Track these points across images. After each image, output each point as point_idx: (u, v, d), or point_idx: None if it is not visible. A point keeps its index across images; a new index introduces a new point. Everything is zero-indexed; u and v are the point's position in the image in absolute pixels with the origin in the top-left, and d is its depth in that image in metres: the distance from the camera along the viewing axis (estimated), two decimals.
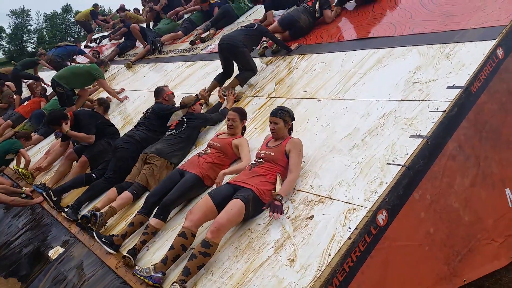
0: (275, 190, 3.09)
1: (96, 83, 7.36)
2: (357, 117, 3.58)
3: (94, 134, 5.07)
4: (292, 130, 3.48)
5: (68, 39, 45.39)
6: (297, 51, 5.48)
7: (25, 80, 10.39)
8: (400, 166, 2.84)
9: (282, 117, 3.32)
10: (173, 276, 3.04)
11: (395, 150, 3.01)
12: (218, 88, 5.30)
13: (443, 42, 3.94)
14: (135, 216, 3.65)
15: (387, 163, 2.93)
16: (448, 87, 3.35)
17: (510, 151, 3.31)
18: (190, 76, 6.78)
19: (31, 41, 48.04)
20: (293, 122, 3.44)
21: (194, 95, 5.12)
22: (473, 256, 3.07)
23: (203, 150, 3.92)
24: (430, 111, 3.19)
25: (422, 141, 2.97)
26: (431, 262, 2.90)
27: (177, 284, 2.73)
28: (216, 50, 7.06)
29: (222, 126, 4.63)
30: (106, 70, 7.31)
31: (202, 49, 7.67)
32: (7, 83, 10.54)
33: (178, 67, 7.45)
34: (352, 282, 2.47)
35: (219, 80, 5.35)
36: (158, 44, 8.41)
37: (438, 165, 2.93)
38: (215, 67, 6.58)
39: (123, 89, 7.47)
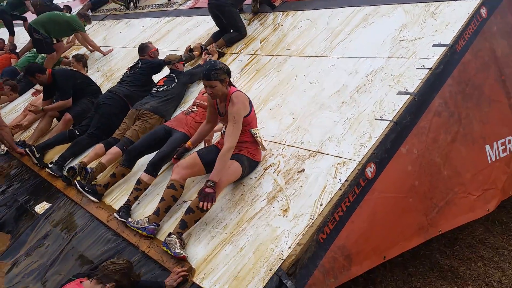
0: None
1: (73, 36, 7.04)
2: (345, 74, 3.63)
3: (71, 97, 4.94)
4: (231, 84, 3.10)
5: None
6: (281, 8, 5.42)
7: None
8: (388, 122, 2.95)
9: (217, 78, 2.92)
10: (167, 227, 3.12)
11: (383, 106, 3.11)
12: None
13: (428, 0, 3.98)
14: (117, 167, 3.75)
15: (376, 119, 3.03)
16: (434, 45, 3.43)
17: (491, 109, 3.46)
18: (169, 32, 6.62)
19: None
20: (229, 77, 3.03)
21: (178, 54, 5.03)
22: (449, 208, 3.24)
23: (190, 108, 3.91)
24: (417, 69, 3.28)
25: (409, 97, 3.07)
26: (413, 213, 3.06)
27: (174, 235, 2.81)
28: (196, 6, 6.98)
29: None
30: (85, 25, 6.98)
31: (180, 4, 7.45)
32: None
33: (156, 23, 7.23)
34: (342, 230, 2.61)
35: (215, 37, 5.31)
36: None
37: (424, 121, 3.04)
38: (196, 23, 6.45)
39: (111, 50, 7.18)
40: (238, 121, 2.90)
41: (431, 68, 3.19)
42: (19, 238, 3.89)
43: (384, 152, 2.85)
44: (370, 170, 2.77)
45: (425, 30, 3.64)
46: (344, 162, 2.83)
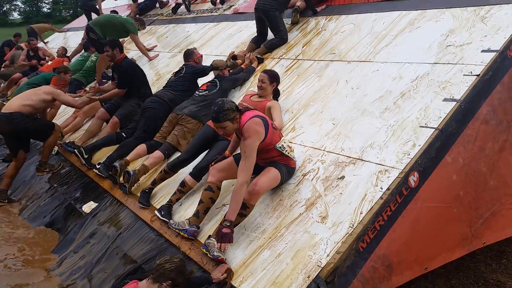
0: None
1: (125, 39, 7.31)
2: (388, 80, 3.56)
3: (125, 89, 5.16)
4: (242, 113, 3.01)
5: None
6: (324, 12, 5.39)
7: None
8: (433, 129, 2.86)
9: (227, 118, 2.88)
10: (207, 229, 3.18)
11: (428, 113, 3.02)
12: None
13: (479, 4, 3.83)
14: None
15: (420, 126, 2.95)
16: (482, 51, 3.30)
17: None
18: (213, 38, 6.74)
19: (46, 1, 47.70)
20: (239, 111, 2.97)
21: (225, 60, 5.12)
22: (495, 220, 3.12)
23: None
24: (464, 75, 3.17)
25: (455, 104, 2.97)
26: (456, 224, 2.97)
27: (213, 238, 2.86)
28: (240, 11, 7.08)
29: (249, 87, 4.67)
30: (138, 29, 7.26)
31: (225, 10, 7.57)
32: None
33: (200, 28, 7.39)
34: (383, 240, 2.56)
35: (255, 42, 5.38)
36: (187, 2, 8.28)
37: (471, 129, 2.94)
38: (239, 28, 6.54)
39: (155, 46, 7.44)
40: (249, 155, 2.82)
41: (479, 74, 3.08)
42: (67, 236, 4.09)
43: (429, 160, 2.77)
44: (413, 179, 2.70)
45: (474, 35, 3.51)
46: (386, 170, 2.78)
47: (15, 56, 9.22)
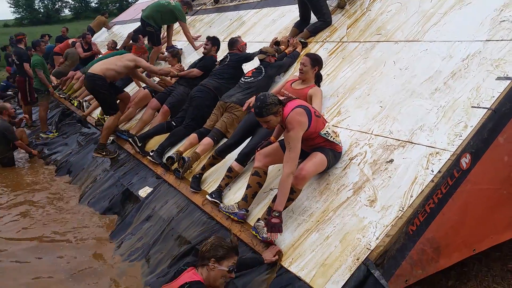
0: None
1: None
2: (438, 60, 3.46)
3: (202, 73, 5.40)
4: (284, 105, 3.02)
5: None
6: None
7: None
8: (486, 109, 2.77)
9: (270, 112, 2.91)
10: (255, 212, 3.29)
11: (481, 93, 2.92)
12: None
13: None
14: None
15: (472, 106, 2.86)
16: None
17: None
18: (256, 25, 6.77)
19: None
20: (281, 104, 2.98)
21: (268, 45, 5.15)
22: None
23: None
24: None
25: (510, 83, 2.84)
26: (506, 206, 2.90)
27: (262, 221, 2.97)
28: None
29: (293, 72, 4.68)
30: (186, 13, 7.41)
31: None
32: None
33: (243, 15, 7.43)
34: (432, 223, 2.54)
35: (298, 27, 5.36)
36: None
37: None
38: (281, 13, 6.52)
39: (199, 36, 7.60)
40: (294, 147, 2.83)
41: None
42: (125, 220, 4.36)
43: (481, 141, 2.70)
44: (465, 161, 2.64)
45: None
46: (437, 153, 2.73)
47: (69, 54, 9.70)
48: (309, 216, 2.95)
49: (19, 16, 46.40)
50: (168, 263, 3.42)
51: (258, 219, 3.02)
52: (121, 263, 3.73)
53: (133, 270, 3.59)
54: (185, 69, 5.97)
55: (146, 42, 7.30)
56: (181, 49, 7.36)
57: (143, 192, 4.52)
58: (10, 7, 48.00)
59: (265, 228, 2.91)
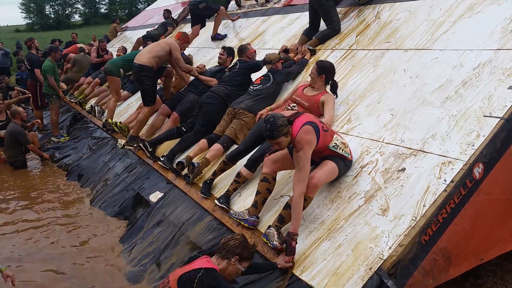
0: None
1: None
2: (448, 68, 3.46)
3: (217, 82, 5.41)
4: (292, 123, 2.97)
5: None
6: (378, 0, 5.27)
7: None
8: (499, 119, 2.77)
9: (281, 134, 2.86)
10: (266, 219, 3.31)
11: (492, 102, 2.92)
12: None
13: None
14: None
15: (484, 116, 2.86)
16: None
17: None
18: (265, 32, 6.80)
19: (103, 2, 50.15)
20: (290, 123, 2.92)
21: (277, 53, 5.18)
22: None
23: (289, 105, 3.99)
24: None
25: None
26: None
27: (273, 228, 2.98)
28: (291, 3, 7.08)
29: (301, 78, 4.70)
30: None
31: (275, 3, 7.60)
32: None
33: (252, 23, 7.47)
34: (445, 233, 2.55)
35: (307, 34, 5.38)
36: None
37: None
38: (290, 21, 6.56)
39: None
40: (304, 166, 2.83)
41: None
42: (136, 224, 4.39)
43: (494, 151, 2.70)
44: (478, 171, 2.65)
45: None
46: (449, 162, 2.74)
47: (76, 61, 9.81)
48: (320, 224, 2.96)
49: (30, 21, 47.10)
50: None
51: (269, 226, 3.04)
52: (132, 268, 3.76)
53: (144, 275, 3.61)
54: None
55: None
56: (190, 54, 7.42)
57: (154, 197, 4.55)
58: (22, 12, 48.68)
59: (276, 235, 2.93)
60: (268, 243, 2.96)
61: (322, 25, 5.35)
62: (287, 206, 3.01)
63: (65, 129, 8.09)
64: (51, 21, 46.31)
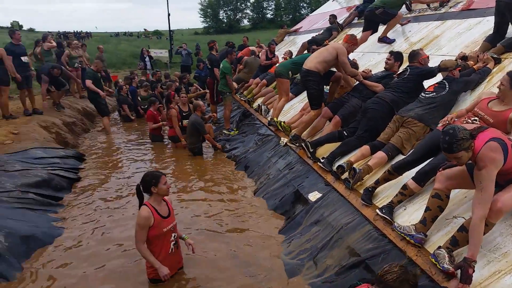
0: None
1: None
2: None
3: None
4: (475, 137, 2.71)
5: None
6: None
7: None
8: None
9: (461, 148, 2.64)
10: (435, 239, 3.13)
11: None
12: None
13: None
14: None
15: None
16: None
17: None
18: (438, 37, 6.37)
19: (270, 8, 53.86)
20: (473, 137, 2.68)
21: (454, 59, 4.82)
22: None
23: (469, 118, 3.63)
24: None
25: None
26: None
27: (444, 249, 2.81)
28: (470, 7, 6.46)
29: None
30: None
31: (451, 7, 7.03)
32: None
33: (423, 28, 7.08)
34: None
35: (491, 41, 4.92)
36: (408, 1, 8.06)
37: None
38: (468, 26, 6.02)
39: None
40: (486, 187, 2.57)
41: None
42: (295, 219, 4.62)
43: None
44: None
45: None
46: None
47: (247, 63, 10.69)
48: (502, 256, 2.68)
49: (207, 25, 53.51)
50: (335, 270, 3.51)
51: (439, 247, 2.87)
52: (289, 260, 3.97)
53: (302, 269, 3.77)
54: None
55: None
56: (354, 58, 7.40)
57: (313, 196, 4.71)
58: (200, 17, 55.72)
59: (447, 258, 2.75)
60: (437, 265, 2.80)
61: (510, 32, 4.75)
62: (462, 229, 2.80)
63: (235, 124, 8.96)
64: (224, 25, 51.79)
